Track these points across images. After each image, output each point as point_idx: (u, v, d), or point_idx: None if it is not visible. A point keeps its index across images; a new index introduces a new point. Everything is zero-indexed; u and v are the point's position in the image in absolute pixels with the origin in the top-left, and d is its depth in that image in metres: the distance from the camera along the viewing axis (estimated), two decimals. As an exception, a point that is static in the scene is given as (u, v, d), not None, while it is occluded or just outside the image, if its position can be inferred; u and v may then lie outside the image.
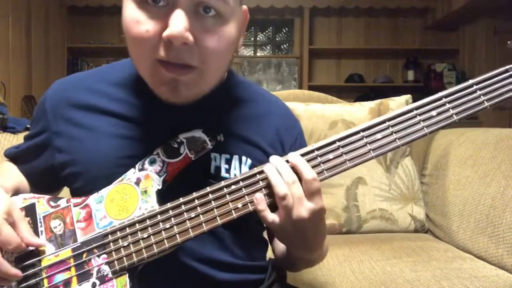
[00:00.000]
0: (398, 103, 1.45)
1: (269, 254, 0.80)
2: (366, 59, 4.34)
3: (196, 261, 0.64)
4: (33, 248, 0.60)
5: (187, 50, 0.55)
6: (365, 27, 4.30)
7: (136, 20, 0.55)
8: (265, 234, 0.79)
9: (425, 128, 0.57)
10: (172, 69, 0.56)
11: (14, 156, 0.77)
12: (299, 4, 4.08)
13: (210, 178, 0.66)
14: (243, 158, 0.69)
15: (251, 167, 0.68)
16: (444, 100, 0.57)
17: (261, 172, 0.58)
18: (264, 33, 4.53)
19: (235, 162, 0.68)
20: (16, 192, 0.69)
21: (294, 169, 0.57)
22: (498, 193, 1.09)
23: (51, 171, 0.70)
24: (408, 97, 1.49)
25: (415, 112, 0.58)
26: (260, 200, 0.57)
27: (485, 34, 3.70)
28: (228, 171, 0.67)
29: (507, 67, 0.58)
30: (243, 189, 0.58)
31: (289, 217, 0.56)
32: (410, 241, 1.22)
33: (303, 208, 0.55)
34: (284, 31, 4.52)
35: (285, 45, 4.55)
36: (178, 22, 0.53)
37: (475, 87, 0.57)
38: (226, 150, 0.67)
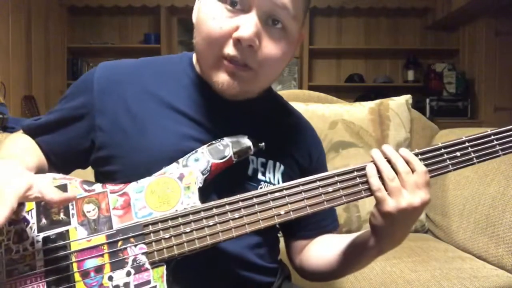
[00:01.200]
0: (398, 103, 1.45)
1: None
2: (366, 59, 4.33)
3: (222, 256, 0.66)
4: (62, 230, 0.57)
5: (250, 52, 0.62)
6: (365, 27, 4.30)
7: (213, 16, 0.62)
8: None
9: (450, 166, 0.64)
10: (235, 64, 0.63)
11: (37, 126, 0.72)
12: (299, 4, 4.07)
13: (248, 180, 0.69)
14: (277, 164, 0.72)
15: (283, 173, 0.72)
16: (467, 144, 0.65)
17: (305, 183, 0.61)
18: (264, 33, 4.52)
19: (270, 166, 0.72)
20: (39, 171, 0.66)
21: (409, 163, 0.61)
22: (498, 193, 1.09)
23: (80, 148, 0.70)
24: (408, 97, 1.49)
25: (443, 150, 0.64)
26: (370, 167, 0.62)
27: (485, 34, 3.70)
28: (264, 174, 0.70)
29: None
30: (286, 197, 0.61)
31: (405, 199, 0.59)
32: (410, 241, 1.22)
33: (417, 196, 0.59)
34: (284, 31, 4.52)
35: (285, 45, 4.55)
36: (249, 26, 0.60)
37: (492, 137, 0.65)
38: (262, 154, 0.70)
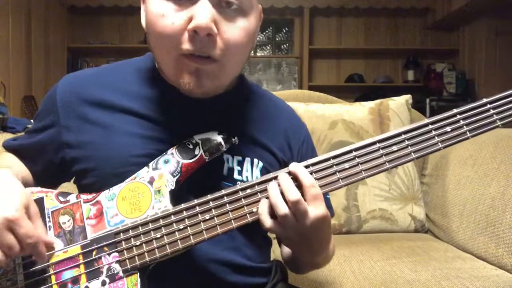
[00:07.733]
0: (398, 103, 1.45)
1: (272, 255, 0.80)
2: (366, 59, 4.34)
3: (207, 261, 0.64)
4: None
5: (210, 42, 0.57)
6: (365, 27, 4.30)
7: (161, 13, 0.57)
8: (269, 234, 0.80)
9: (439, 143, 0.58)
10: (196, 59, 0.58)
11: (16, 149, 0.74)
12: (299, 4, 4.08)
13: (223, 179, 0.66)
14: (255, 160, 0.69)
15: (262, 170, 0.69)
16: (458, 116, 0.58)
17: (277, 177, 0.58)
18: (264, 33, 4.53)
19: (247, 164, 0.68)
20: (23, 184, 0.67)
21: (296, 178, 0.57)
22: (498, 193, 1.09)
23: (55, 166, 0.70)
24: (408, 97, 1.49)
25: (430, 126, 0.58)
26: (262, 203, 0.57)
27: (485, 34, 3.70)
28: (240, 173, 0.67)
29: None
30: (258, 193, 0.58)
31: (292, 229, 0.56)
32: (410, 241, 1.22)
33: (307, 220, 0.55)
34: (284, 31, 4.52)
35: (285, 45, 4.55)
36: (204, 13, 0.55)
37: (488, 106, 0.58)
38: (238, 152, 0.68)
